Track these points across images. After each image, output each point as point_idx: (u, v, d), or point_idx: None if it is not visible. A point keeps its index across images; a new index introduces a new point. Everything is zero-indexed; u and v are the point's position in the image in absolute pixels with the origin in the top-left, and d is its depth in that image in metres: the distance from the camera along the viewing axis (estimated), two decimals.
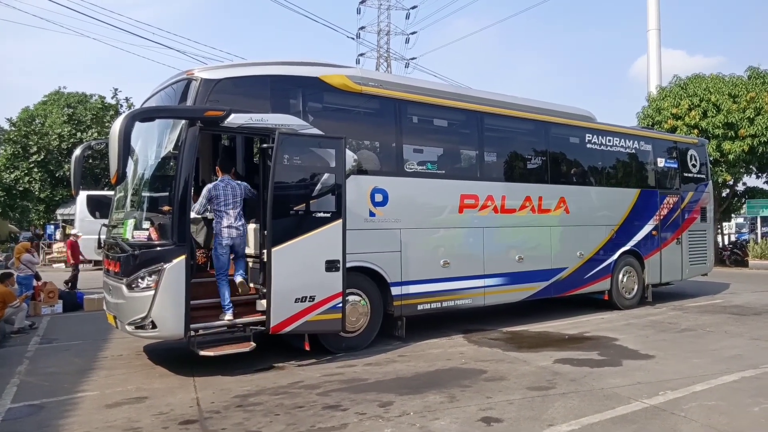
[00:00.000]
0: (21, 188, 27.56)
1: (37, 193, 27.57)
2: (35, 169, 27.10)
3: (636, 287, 10.33)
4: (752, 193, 21.97)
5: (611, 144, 10.04)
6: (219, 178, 6.34)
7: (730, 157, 18.96)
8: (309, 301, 6.09)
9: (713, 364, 6.05)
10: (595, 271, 9.61)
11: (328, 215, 6.19)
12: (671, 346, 7.01)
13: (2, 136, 30.98)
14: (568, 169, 9.57)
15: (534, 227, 8.79)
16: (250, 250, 6.62)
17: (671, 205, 10.93)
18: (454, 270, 7.75)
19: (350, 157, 6.75)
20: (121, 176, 5.28)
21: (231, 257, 6.31)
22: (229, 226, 6.17)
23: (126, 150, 5.24)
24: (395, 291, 7.19)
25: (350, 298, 6.81)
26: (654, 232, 10.57)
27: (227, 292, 6.07)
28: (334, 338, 6.66)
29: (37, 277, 11.22)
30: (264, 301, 5.98)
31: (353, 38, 53.95)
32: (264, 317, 5.98)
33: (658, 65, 24.32)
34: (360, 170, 6.92)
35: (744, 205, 21.41)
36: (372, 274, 7.06)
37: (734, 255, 21.36)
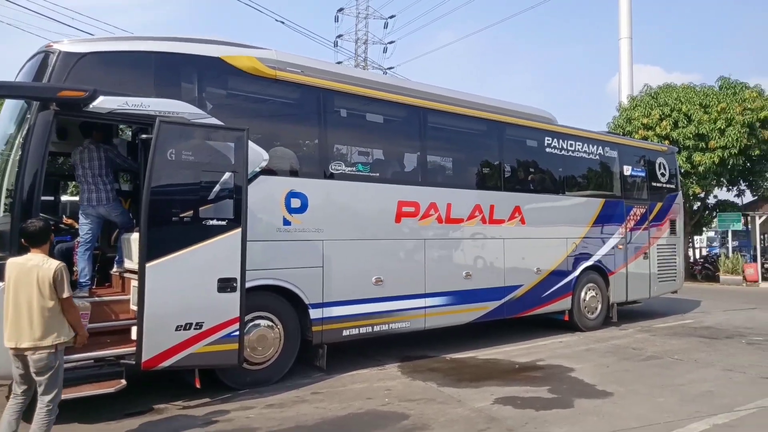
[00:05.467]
0: None
1: None
2: None
3: (600, 306, 9.40)
4: (723, 206, 21.45)
5: (573, 149, 9.14)
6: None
7: (701, 168, 18.38)
8: (195, 328, 4.96)
9: (681, 405, 5.09)
10: (554, 288, 8.65)
11: (224, 223, 5.08)
12: (634, 380, 6.04)
13: None
14: (525, 176, 8.62)
15: (485, 239, 7.80)
16: (131, 264, 5.48)
17: (638, 217, 10.07)
18: (388, 288, 6.69)
19: (259, 154, 5.68)
20: None
21: None
22: (88, 199, 5.50)
23: None
24: (315, 314, 6.10)
25: (260, 322, 5.74)
26: (620, 246, 9.69)
27: (86, 266, 5.40)
28: (236, 371, 5.53)
29: None
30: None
31: (331, 46, 53.04)
32: None
33: (630, 74, 23.82)
34: (273, 170, 5.85)
35: (715, 219, 20.85)
36: (287, 293, 5.96)
37: (705, 270, 20.77)
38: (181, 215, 5.01)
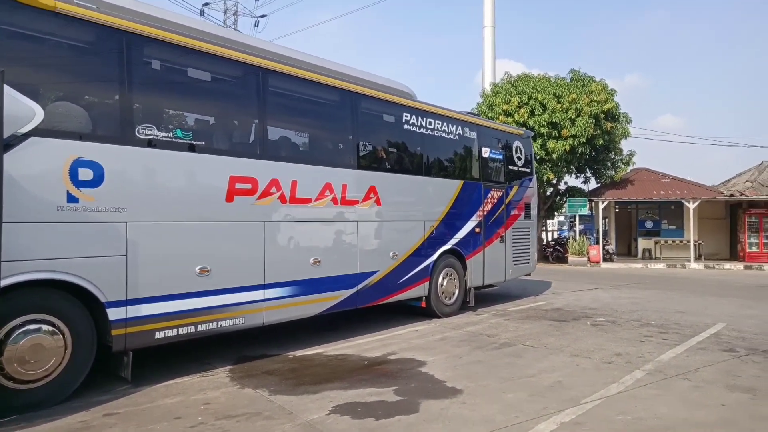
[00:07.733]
0: None
1: None
2: None
3: (457, 291, 9.13)
4: (572, 192, 23.01)
5: (433, 127, 8.68)
6: None
7: (554, 156, 19.37)
8: None
9: (530, 402, 4.71)
10: (411, 274, 8.17)
11: None
12: (485, 373, 5.64)
13: None
14: (381, 153, 7.97)
15: (336, 222, 7.03)
16: None
17: (495, 200, 9.96)
18: (216, 280, 5.64)
19: (29, 109, 4.33)
20: None
21: None
22: None
23: None
24: (116, 314, 4.88)
25: (37, 327, 4.42)
26: (477, 230, 9.49)
27: None
28: None
29: None
30: None
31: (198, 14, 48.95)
32: None
33: (493, 62, 24.55)
34: (52, 131, 4.50)
35: (566, 204, 22.28)
36: (76, 290, 4.68)
37: (556, 252, 22.15)
38: None
